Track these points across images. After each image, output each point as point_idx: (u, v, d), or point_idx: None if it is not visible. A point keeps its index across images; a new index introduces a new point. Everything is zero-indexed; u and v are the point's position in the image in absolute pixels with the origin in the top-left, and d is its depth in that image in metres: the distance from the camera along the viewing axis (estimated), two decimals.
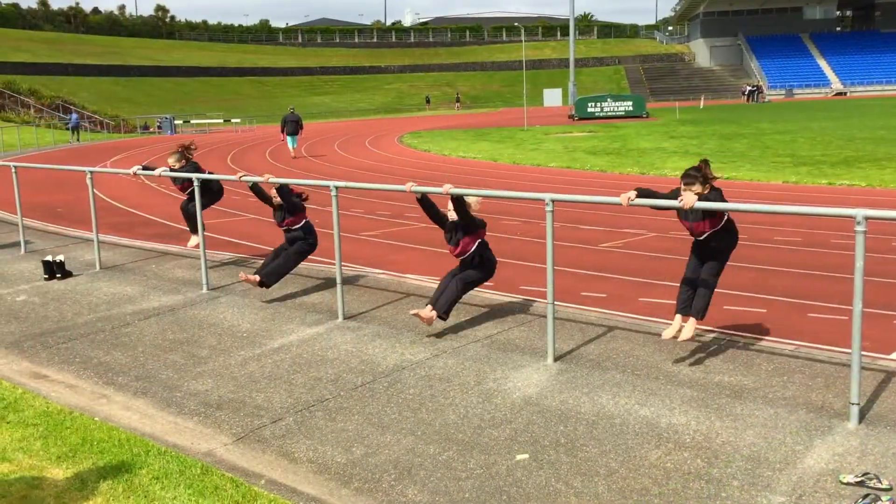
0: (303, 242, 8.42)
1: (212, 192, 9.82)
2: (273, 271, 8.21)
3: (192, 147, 9.77)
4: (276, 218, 8.53)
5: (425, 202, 6.92)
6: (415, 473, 4.37)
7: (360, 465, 4.50)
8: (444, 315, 6.79)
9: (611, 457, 4.45)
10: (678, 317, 5.83)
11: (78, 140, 43.26)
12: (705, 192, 5.49)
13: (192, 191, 9.60)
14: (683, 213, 5.72)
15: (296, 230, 8.42)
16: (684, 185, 5.54)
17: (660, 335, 6.53)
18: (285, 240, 8.51)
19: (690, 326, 5.70)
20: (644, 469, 4.30)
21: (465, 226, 6.81)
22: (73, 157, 31.10)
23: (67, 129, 45.33)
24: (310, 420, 5.15)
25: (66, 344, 7.01)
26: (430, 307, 6.76)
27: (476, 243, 6.88)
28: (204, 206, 9.23)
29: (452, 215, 6.82)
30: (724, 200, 5.56)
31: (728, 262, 5.97)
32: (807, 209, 5.28)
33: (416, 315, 6.68)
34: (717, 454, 4.42)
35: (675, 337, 5.78)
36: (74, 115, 46.13)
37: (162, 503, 4.16)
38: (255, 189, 8.61)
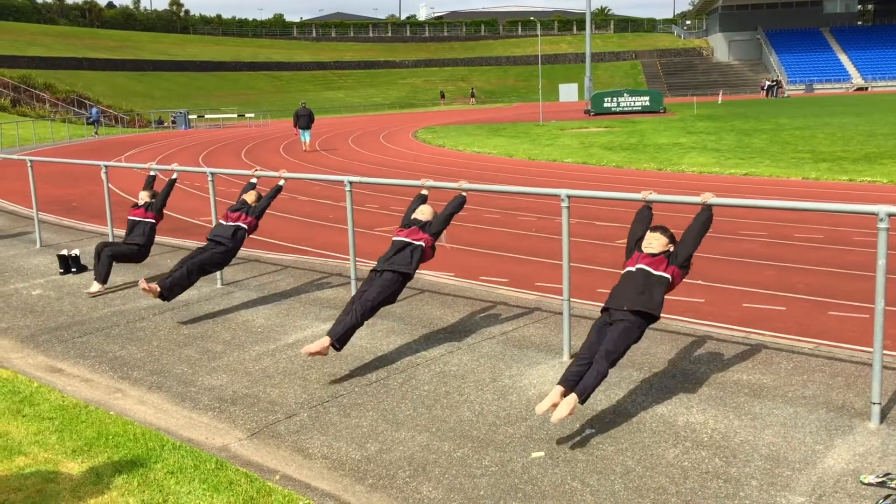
0: (218, 252, 7.67)
1: (139, 253, 8.95)
2: (176, 284, 7.41)
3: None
4: (231, 208, 8.02)
5: (421, 199, 6.80)
6: (429, 470, 4.37)
7: (375, 461, 4.51)
8: (338, 344, 5.86)
9: (627, 455, 4.44)
10: (557, 388, 4.63)
11: (97, 134, 43.67)
12: (669, 248, 5.17)
13: (140, 225, 8.91)
14: (641, 246, 5.26)
15: (229, 226, 7.79)
16: (650, 230, 5.27)
17: (677, 332, 6.51)
18: (210, 240, 7.81)
19: (569, 404, 4.48)
20: (661, 468, 4.28)
21: (428, 228, 6.49)
22: (87, 152, 31.31)
23: (88, 123, 45.74)
24: (324, 416, 5.16)
25: (82, 338, 7.07)
26: (326, 338, 5.84)
27: (421, 241, 6.40)
28: (121, 258, 8.79)
29: (421, 216, 6.53)
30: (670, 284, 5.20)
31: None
32: (828, 206, 5.23)
33: (309, 353, 5.70)
34: (735, 453, 4.40)
35: (547, 411, 4.59)
36: (95, 109, 46.62)
37: (176, 498, 4.18)
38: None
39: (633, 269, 5.19)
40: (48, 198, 16.71)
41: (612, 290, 5.19)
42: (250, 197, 8.10)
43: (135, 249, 8.84)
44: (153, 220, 8.97)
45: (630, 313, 4.96)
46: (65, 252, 9.69)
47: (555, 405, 4.53)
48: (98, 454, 4.71)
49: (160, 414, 5.33)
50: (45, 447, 4.83)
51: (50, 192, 17.79)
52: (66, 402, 5.57)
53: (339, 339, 5.86)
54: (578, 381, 4.66)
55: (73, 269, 9.56)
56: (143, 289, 7.23)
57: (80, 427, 5.11)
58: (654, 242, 5.21)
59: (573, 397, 4.52)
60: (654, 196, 5.53)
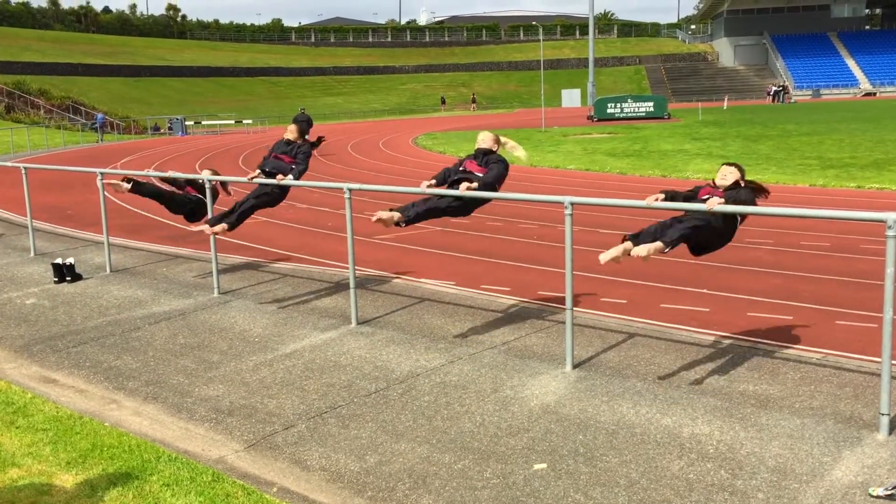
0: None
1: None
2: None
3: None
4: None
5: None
6: (430, 482, 4.37)
7: (374, 473, 4.51)
8: (404, 224, 6.75)
9: (631, 467, 4.44)
10: (627, 244, 5.47)
11: (102, 140, 44.59)
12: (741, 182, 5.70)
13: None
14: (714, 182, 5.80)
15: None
16: (725, 164, 5.81)
17: (682, 342, 6.51)
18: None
19: (652, 247, 5.25)
20: (666, 480, 4.28)
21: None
22: (83, 159, 31.36)
23: (92, 128, 46.81)
24: (322, 427, 5.17)
25: (76, 348, 7.07)
26: (396, 213, 6.69)
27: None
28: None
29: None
30: (753, 202, 5.57)
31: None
32: (835, 213, 5.24)
33: (378, 218, 6.61)
34: (741, 465, 4.40)
35: (615, 259, 5.41)
36: (100, 116, 48.20)
37: None
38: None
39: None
40: (43, 205, 16.73)
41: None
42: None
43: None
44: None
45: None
46: (59, 260, 9.70)
47: (626, 252, 5.32)
48: (92, 466, 4.71)
49: (156, 425, 5.33)
50: (38, 459, 4.84)
51: (44, 200, 17.81)
52: (61, 413, 5.57)
53: (410, 221, 6.68)
54: (656, 237, 5.38)
55: (68, 278, 9.57)
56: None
57: (75, 438, 5.12)
58: (728, 175, 5.72)
59: (658, 244, 5.26)
60: (659, 203, 5.55)
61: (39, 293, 9.16)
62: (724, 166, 5.84)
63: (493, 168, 6.78)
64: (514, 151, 7.16)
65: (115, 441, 5.05)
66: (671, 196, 5.68)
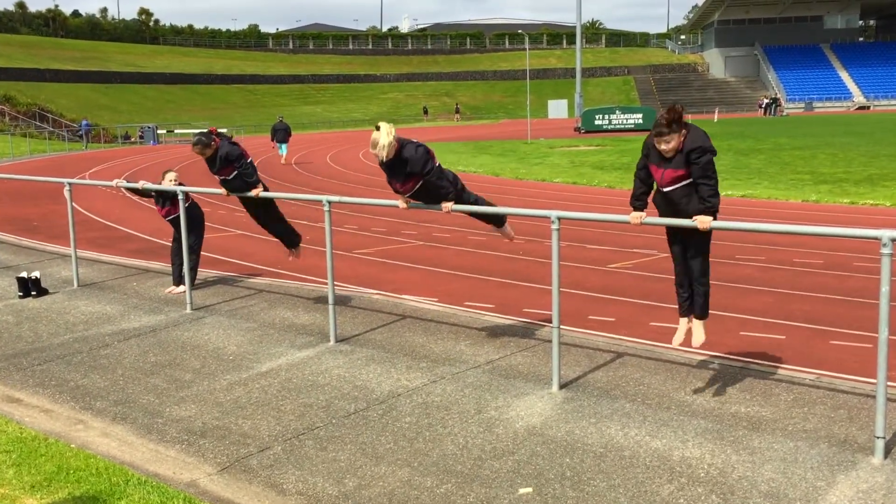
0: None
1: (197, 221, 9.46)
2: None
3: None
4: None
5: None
6: None
7: (353, 497, 4.50)
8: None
9: (620, 491, 4.45)
10: (682, 320, 5.96)
11: (86, 147, 46.36)
12: (682, 139, 5.28)
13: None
14: (657, 160, 5.45)
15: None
16: (656, 136, 5.34)
17: (672, 361, 6.55)
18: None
19: (699, 329, 5.83)
20: None
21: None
22: (50, 168, 31.18)
23: (77, 136, 48.97)
24: (299, 449, 5.15)
25: (42, 366, 7.01)
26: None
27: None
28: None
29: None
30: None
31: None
32: (828, 230, 5.30)
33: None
34: (733, 490, 4.42)
35: (685, 342, 5.92)
36: (85, 122, 50.39)
37: None
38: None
39: (661, 188, 5.56)
40: (7, 217, 16.61)
41: None
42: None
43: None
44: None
45: None
46: (24, 274, 9.63)
47: (688, 333, 5.82)
48: (58, 490, 4.67)
49: (125, 447, 5.29)
50: (1, 482, 4.79)
51: (8, 211, 17.69)
52: (25, 434, 5.52)
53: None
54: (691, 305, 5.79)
55: (34, 293, 9.50)
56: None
57: (40, 461, 5.07)
58: (671, 141, 5.33)
59: (698, 323, 5.79)
60: (647, 219, 5.59)
61: (3, 308, 9.08)
62: (663, 133, 5.29)
63: (428, 174, 6.49)
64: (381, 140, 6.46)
65: (82, 463, 5.00)
66: (642, 204, 5.66)
